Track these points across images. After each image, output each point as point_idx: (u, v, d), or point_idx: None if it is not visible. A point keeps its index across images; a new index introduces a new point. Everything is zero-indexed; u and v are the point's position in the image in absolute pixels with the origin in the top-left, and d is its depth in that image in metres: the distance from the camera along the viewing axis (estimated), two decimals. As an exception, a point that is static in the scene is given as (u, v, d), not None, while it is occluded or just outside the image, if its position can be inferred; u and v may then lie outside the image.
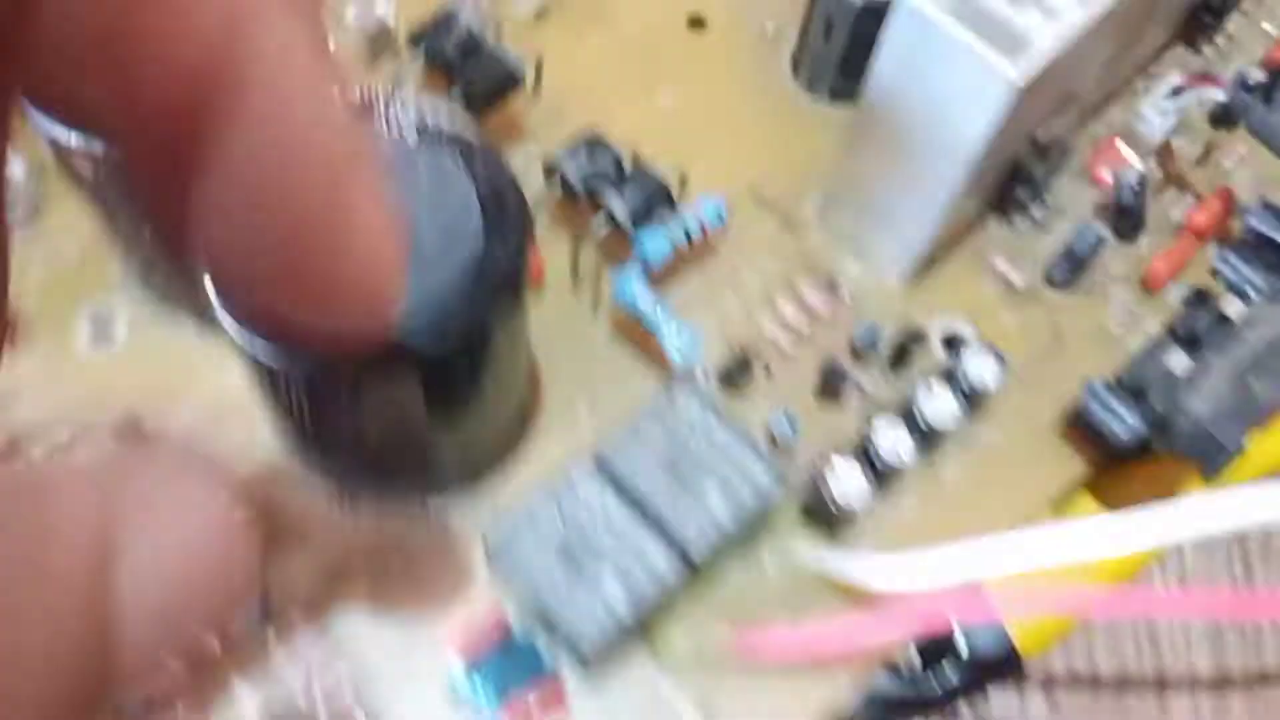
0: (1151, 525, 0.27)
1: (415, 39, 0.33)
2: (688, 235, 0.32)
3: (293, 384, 0.25)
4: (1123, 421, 0.32)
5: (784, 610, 0.32)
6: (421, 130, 0.25)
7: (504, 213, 0.25)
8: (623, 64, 0.36)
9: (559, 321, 0.33)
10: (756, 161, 0.35)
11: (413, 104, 0.25)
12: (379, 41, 0.35)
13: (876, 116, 0.31)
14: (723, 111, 0.36)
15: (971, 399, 0.32)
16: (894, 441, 0.31)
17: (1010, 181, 0.34)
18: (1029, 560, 0.28)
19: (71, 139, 0.25)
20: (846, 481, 0.31)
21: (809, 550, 0.32)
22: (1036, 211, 0.35)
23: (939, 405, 0.31)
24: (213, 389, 0.32)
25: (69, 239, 0.34)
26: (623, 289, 0.32)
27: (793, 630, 0.31)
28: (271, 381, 0.25)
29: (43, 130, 0.25)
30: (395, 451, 0.29)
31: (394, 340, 0.22)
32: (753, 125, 0.36)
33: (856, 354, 0.33)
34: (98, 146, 0.25)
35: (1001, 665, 0.36)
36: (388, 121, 0.25)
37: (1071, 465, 0.34)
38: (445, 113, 0.25)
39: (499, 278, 0.24)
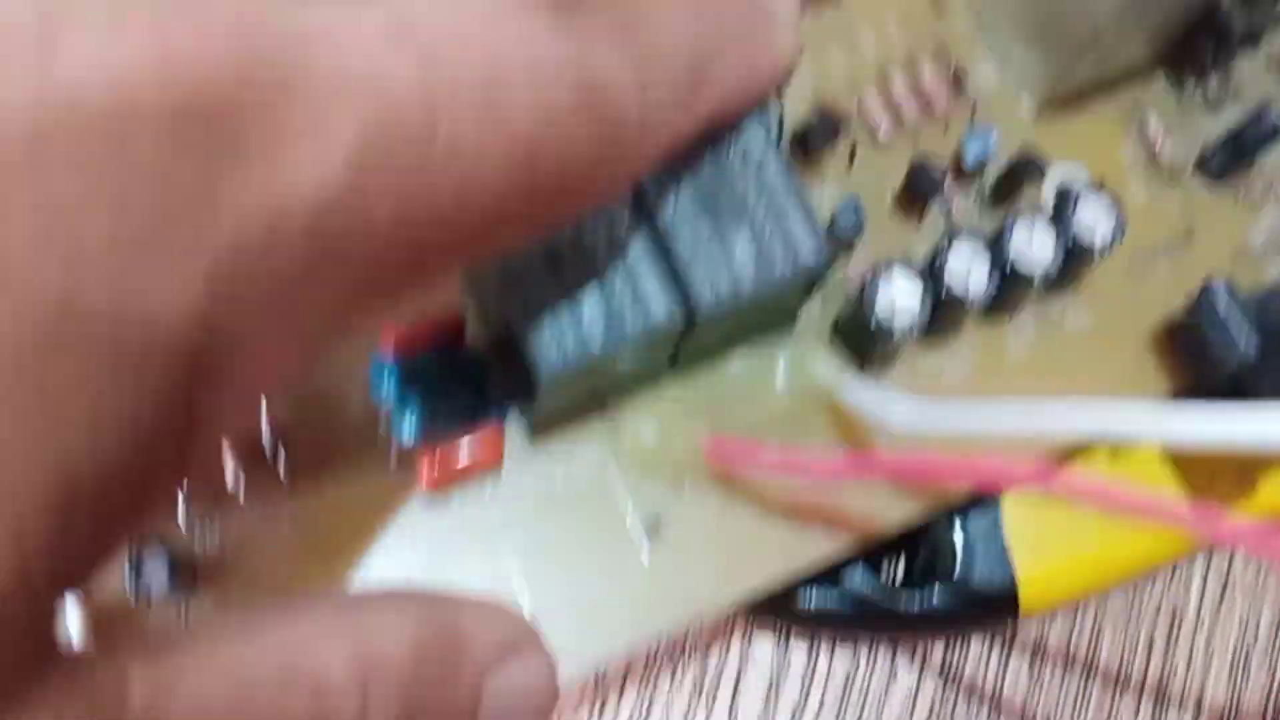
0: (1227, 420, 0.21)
1: None
2: (815, -41, 0.26)
3: None
4: (1233, 344, 0.26)
5: (779, 435, 0.26)
6: None
7: None
8: None
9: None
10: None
11: None
12: None
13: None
14: None
15: (1071, 254, 0.26)
16: (968, 268, 0.26)
17: (1199, 30, 0.28)
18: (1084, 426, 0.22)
19: None
20: (899, 296, 0.25)
21: (829, 367, 0.26)
22: (1214, 81, 0.29)
23: (1033, 246, 0.26)
24: None
25: None
26: None
27: (780, 449, 0.26)
28: None
29: None
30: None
31: None
32: None
33: (959, 168, 0.27)
34: None
35: (994, 604, 0.30)
36: None
37: (1153, 381, 0.28)
38: None
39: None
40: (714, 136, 0.23)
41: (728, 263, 0.23)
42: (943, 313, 0.26)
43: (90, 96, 0.11)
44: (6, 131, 0.11)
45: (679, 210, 0.23)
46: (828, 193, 0.27)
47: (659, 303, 0.23)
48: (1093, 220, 0.26)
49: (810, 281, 0.24)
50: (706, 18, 0.19)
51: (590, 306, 0.22)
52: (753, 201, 0.23)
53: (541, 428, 0.25)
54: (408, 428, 0.22)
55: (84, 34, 0.12)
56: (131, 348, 0.12)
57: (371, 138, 0.14)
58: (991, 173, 0.27)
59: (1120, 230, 0.26)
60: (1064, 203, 0.26)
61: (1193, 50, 0.28)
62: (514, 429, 0.25)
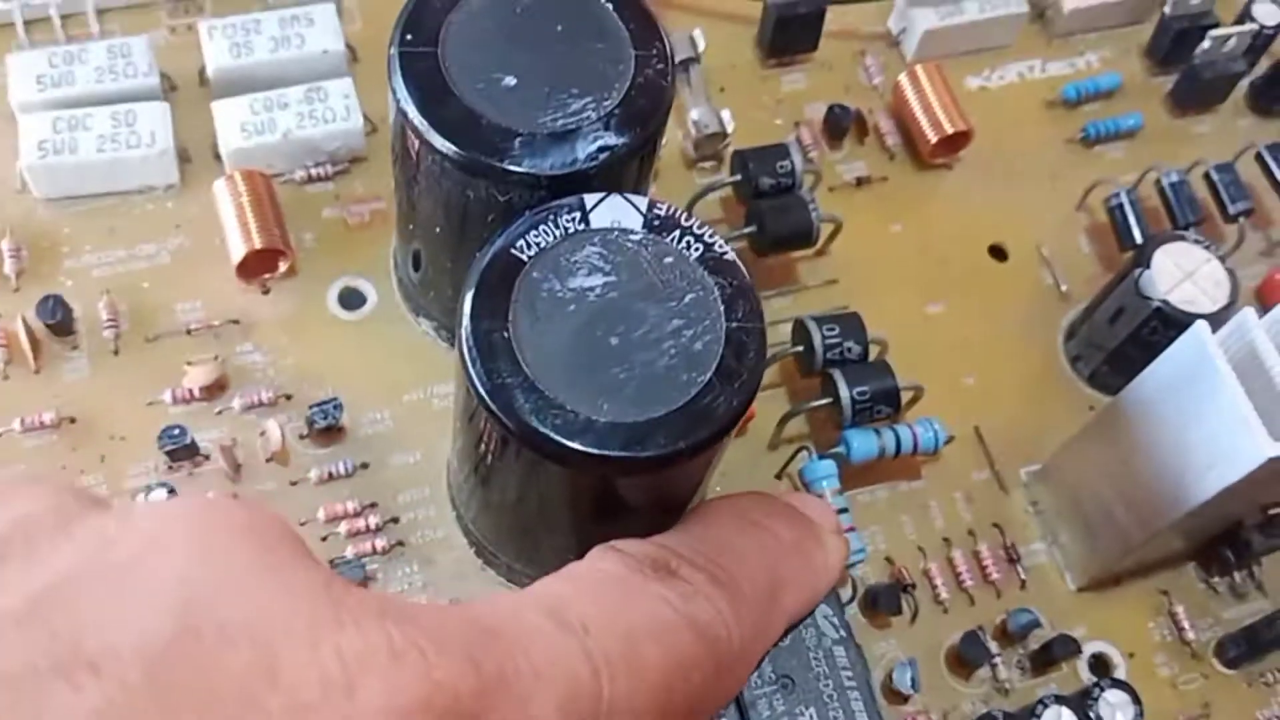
0: None
1: (742, 157, 0.33)
2: (898, 447, 0.31)
3: (509, 453, 0.25)
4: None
5: None
6: (705, 255, 0.25)
7: (742, 362, 0.24)
8: (912, 259, 0.36)
9: (740, 471, 0.33)
10: (993, 407, 0.35)
11: (707, 230, 0.25)
12: (707, 144, 0.35)
13: (1125, 419, 0.30)
14: (983, 346, 0.35)
15: (1094, 736, 0.30)
16: (1006, 744, 0.30)
17: (1224, 539, 0.32)
18: None
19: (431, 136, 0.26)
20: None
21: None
22: (1238, 578, 0.33)
23: (1061, 731, 0.30)
24: (418, 399, 0.32)
25: (366, 202, 0.35)
26: (814, 472, 0.31)
27: None
28: (496, 439, 0.25)
29: (404, 102, 0.26)
30: (543, 532, 0.29)
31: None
32: (1005, 371, 0.35)
33: (1006, 635, 0.32)
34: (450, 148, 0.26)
35: None
36: (682, 236, 0.25)
37: None
38: (729, 250, 0.25)
39: (713, 421, 0.24)
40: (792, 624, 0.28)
41: (797, 734, 0.28)
42: (982, 775, 0.30)
43: None
44: None
45: (760, 681, 0.28)
46: (889, 647, 0.32)
47: (735, 762, 0.27)
48: (1115, 709, 0.30)
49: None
50: (771, 558, 0.25)
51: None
52: (822, 681, 0.28)
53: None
54: None
55: (375, 680, 0.17)
56: None
57: (564, 712, 0.19)
58: (1033, 641, 0.32)
59: (1139, 719, 0.30)
60: (1090, 690, 0.30)
61: (1218, 554, 0.32)
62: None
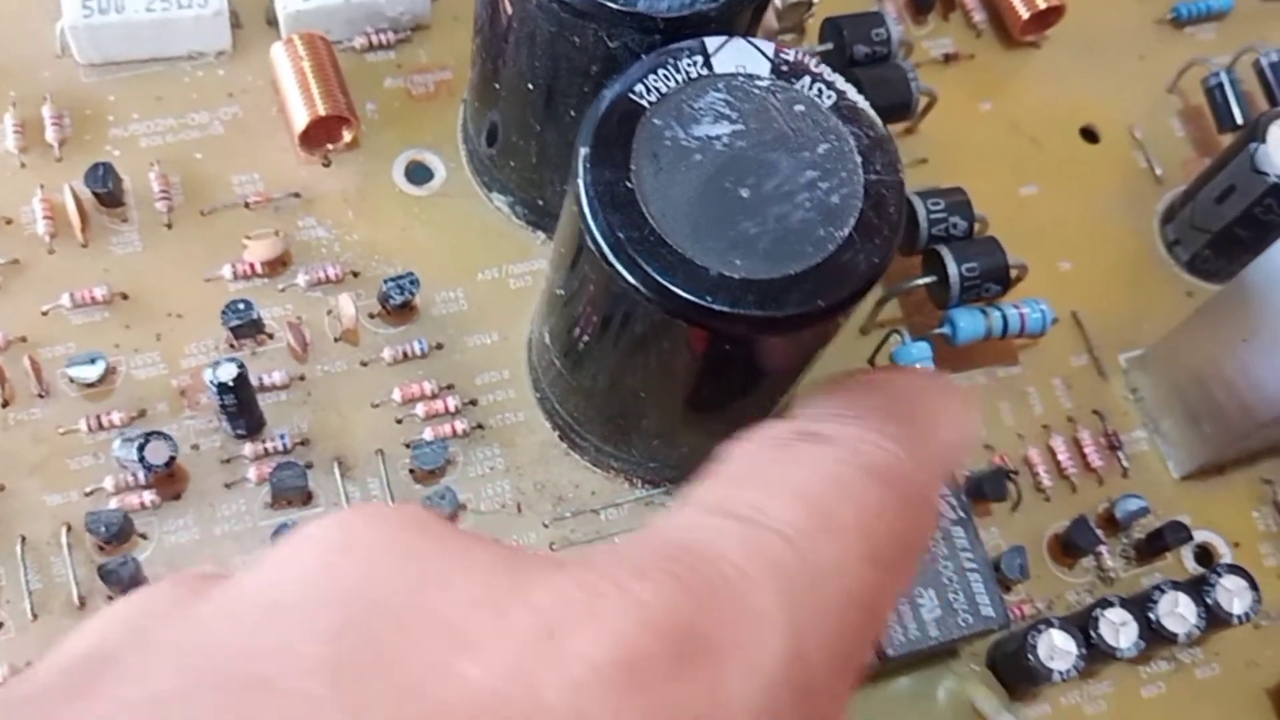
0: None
1: (834, 24, 0.32)
2: (1004, 327, 0.30)
3: (616, 322, 0.23)
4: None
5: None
6: (839, 104, 0.23)
7: (882, 217, 0.23)
8: (1003, 139, 0.35)
9: (828, 356, 0.31)
10: (1090, 291, 0.33)
11: (839, 78, 0.24)
12: (791, 13, 0.33)
13: (1244, 302, 0.29)
14: (1078, 229, 0.34)
15: (1211, 619, 0.29)
16: (1119, 627, 0.29)
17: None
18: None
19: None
20: (1058, 646, 0.28)
21: (988, 699, 0.29)
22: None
23: (1179, 613, 0.29)
24: (493, 279, 0.30)
25: (430, 72, 0.32)
26: (907, 355, 0.30)
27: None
28: (606, 305, 0.23)
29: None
30: (637, 414, 0.27)
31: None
32: (1101, 256, 0.34)
33: (1112, 523, 0.31)
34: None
35: None
36: (813, 83, 0.23)
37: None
38: (863, 100, 0.24)
39: (853, 279, 0.22)
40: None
41: (917, 612, 0.27)
42: (1092, 660, 0.29)
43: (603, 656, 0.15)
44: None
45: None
46: (989, 536, 0.30)
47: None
48: (1233, 595, 0.29)
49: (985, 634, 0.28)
50: (910, 399, 0.23)
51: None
52: (941, 562, 0.27)
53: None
54: None
55: (580, 624, 0.15)
56: None
57: (785, 601, 0.18)
58: (1139, 530, 0.31)
59: (1257, 604, 0.29)
60: (1207, 576, 0.29)
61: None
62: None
